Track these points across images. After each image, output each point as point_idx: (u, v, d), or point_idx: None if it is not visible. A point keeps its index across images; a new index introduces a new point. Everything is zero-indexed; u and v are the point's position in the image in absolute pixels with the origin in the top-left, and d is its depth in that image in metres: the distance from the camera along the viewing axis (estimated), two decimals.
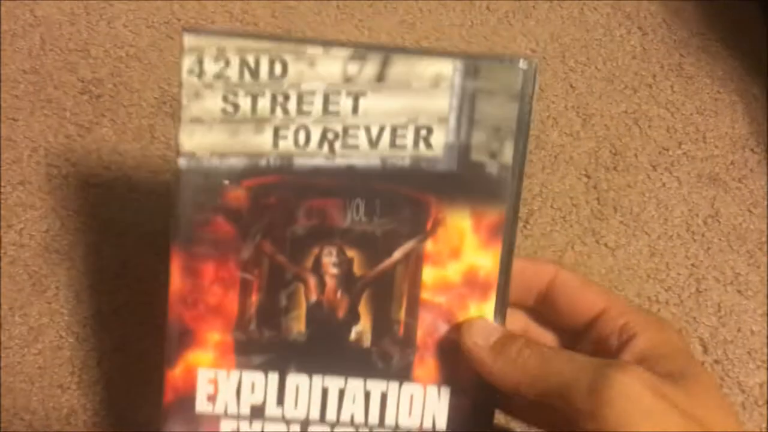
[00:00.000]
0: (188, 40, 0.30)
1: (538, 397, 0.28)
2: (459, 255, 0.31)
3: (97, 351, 0.42)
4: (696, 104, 0.51)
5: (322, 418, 0.32)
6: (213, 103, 0.30)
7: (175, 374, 0.32)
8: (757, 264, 0.46)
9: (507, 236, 0.31)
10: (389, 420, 0.32)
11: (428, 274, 0.31)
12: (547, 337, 0.34)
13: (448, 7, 0.53)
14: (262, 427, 0.32)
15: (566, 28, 0.53)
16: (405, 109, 0.30)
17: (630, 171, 0.48)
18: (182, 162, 0.31)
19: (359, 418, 0.32)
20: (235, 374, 0.32)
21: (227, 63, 0.30)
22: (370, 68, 0.30)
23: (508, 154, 0.30)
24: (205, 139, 0.30)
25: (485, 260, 0.31)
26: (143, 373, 0.42)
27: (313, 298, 0.32)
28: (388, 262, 0.31)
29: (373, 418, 0.32)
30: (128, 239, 0.45)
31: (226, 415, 0.32)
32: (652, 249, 0.46)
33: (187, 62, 0.30)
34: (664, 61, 0.52)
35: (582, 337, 0.32)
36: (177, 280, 0.31)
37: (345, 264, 0.31)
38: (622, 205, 0.47)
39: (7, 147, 0.47)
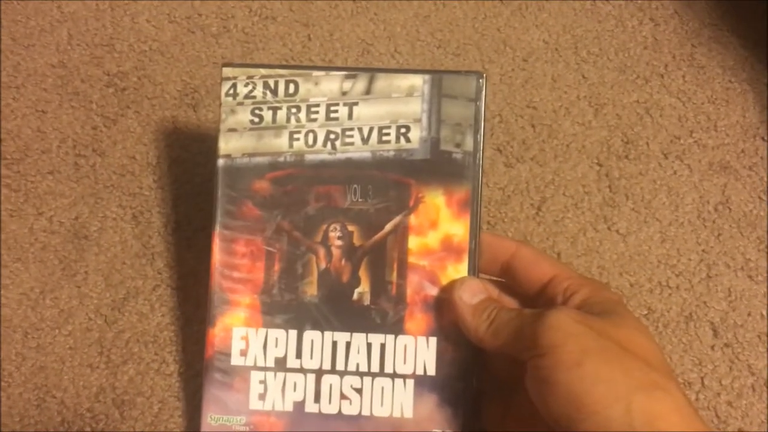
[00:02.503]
0: (225, 71, 0.39)
1: (500, 347, 0.35)
2: (436, 225, 0.38)
3: (124, 332, 0.44)
4: (707, 93, 0.52)
5: (333, 367, 0.38)
6: (244, 116, 0.39)
7: (215, 332, 0.38)
8: None
9: (474, 208, 0.38)
10: (388, 368, 0.38)
11: (413, 242, 0.38)
12: (511, 304, 0.39)
13: None
14: (284, 378, 0.38)
15: (578, 20, 0.54)
16: (388, 113, 0.39)
17: (641, 159, 0.49)
18: (220, 162, 0.39)
19: (363, 367, 0.38)
20: (262, 332, 0.38)
21: (254, 86, 0.39)
22: (360, 84, 0.39)
23: (469, 143, 0.38)
24: (237, 143, 0.39)
25: (457, 229, 0.38)
26: (167, 353, 0.43)
27: (323, 265, 0.38)
28: (381, 234, 0.38)
29: (375, 366, 0.38)
30: (154, 226, 0.46)
31: (255, 366, 0.38)
32: (663, 235, 0.47)
33: (225, 87, 0.39)
34: (676, 51, 0.53)
35: (537, 300, 0.38)
36: (217, 254, 0.38)
37: (347, 237, 0.38)
38: (634, 193, 0.48)
39: (37, 138, 0.49)
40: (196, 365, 0.43)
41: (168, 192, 0.47)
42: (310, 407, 0.38)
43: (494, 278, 0.40)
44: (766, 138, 0.50)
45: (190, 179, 0.48)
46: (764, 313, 0.45)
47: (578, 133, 0.50)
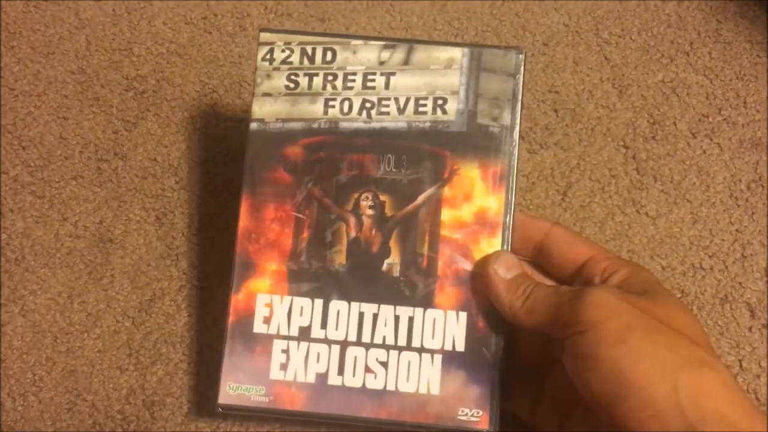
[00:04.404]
0: (263, 36, 0.39)
1: (534, 324, 0.34)
2: (471, 199, 0.38)
3: (152, 333, 0.44)
4: (735, 69, 0.50)
5: (359, 339, 0.37)
6: (279, 81, 0.39)
7: (238, 299, 0.37)
8: None
9: (509, 183, 0.38)
10: (415, 342, 0.37)
11: (446, 214, 0.38)
12: (546, 282, 0.37)
13: None
14: (308, 348, 0.37)
15: (599, 1, 0.53)
16: (425, 84, 0.39)
17: (669, 140, 0.48)
18: (253, 125, 0.39)
19: (390, 340, 0.37)
20: (287, 299, 0.37)
21: (291, 52, 0.39)
22: (399, 55, 0.39)
23: (506, 118, 0.38)
24: (271, 108, 0.39)
25: (492, 203, 0.37)
26: (195, 352, 0.43)
27: (353, 234, 0.38)
28: (413, 205, 0.38)
29: (402, 340, 0.37)
30: (177, 227, 0.46)
31: (278, 335, 0.37)
32: (694, 216, 0.46)
33: (262, 52, 0.39)
34: (701, 28, 0.52)
35: (572, 281, 0.37)
36: (245, 219, 0.38)
37: (379, 206, 0.38)
38: (662, 174, 0.47)
39: (60, 144, 0.49)
40: None
41: (190, 193, 0.47)
42: (333, 380, 0.36)
43: (526, 259, 0.39)
44: None
45: (212, 179, 0.48)
46: None
47: (602, 116, 0.49)
